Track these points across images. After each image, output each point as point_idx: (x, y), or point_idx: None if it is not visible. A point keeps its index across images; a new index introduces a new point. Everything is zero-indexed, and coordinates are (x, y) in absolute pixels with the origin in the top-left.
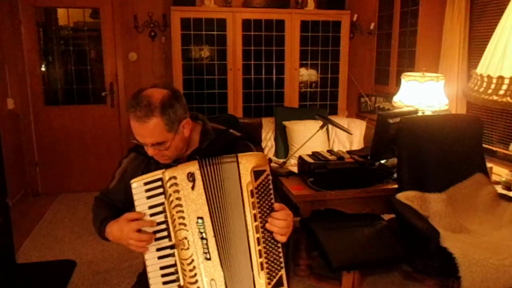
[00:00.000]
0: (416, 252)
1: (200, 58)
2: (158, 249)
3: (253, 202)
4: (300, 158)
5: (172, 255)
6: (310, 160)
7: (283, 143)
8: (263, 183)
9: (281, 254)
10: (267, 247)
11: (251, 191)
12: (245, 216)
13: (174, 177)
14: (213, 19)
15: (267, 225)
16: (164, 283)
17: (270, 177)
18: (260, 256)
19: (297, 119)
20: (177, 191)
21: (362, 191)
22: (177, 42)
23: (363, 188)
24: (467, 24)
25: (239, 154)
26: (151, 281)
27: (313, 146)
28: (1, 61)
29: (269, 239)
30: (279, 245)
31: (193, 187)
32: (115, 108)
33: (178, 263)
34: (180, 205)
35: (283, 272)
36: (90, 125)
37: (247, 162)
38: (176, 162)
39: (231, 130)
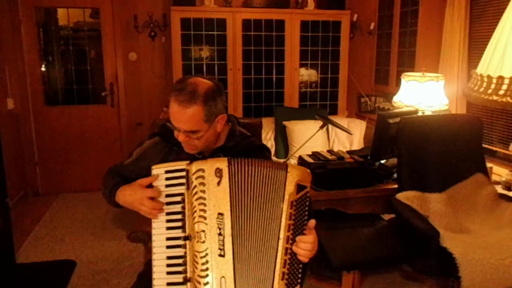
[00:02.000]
0: (416, 252)
1: (200, 58)
2: (168, 238)
3: (290, 213)
4: (300, 158)
5: (183, 246)
6: (310, 160)
7: (283, 143)
8: (302, 198)
9: (300, 270)
10: (291, 259)
11: (292, 202)
12: (280, 224)
13: (202, 170)
14: (213, 19)
15: (293, 248)
16: (169, 273)
17: (309, 194)
18: (284, 266)
19: (297, 119)
20: (203, 184)
21: (362, 191)
22: (177, 42)
23: (363, 188)
24: (467, 24)
25: (289, 164)
26: (154, 269)
27: (313, 146)
28: (1, 61)
29: (294, 252)
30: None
31: (219, 183)
32: (115, 108)
33: (189, 255)
34: (203, 198)
35: (298, 287)
36: (90, 125)
37: (294, 174)
38: (200, 154)
39: (254, 138)
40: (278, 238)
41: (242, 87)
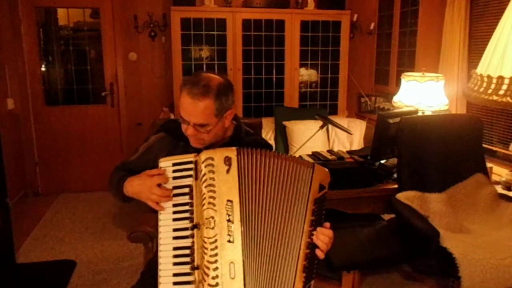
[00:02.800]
0: (416, 252)
1: (200, 58)
2: (175, 230)
3: (313, 209)
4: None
5: (190, 236)
6: (310, 160)
7: (283, 143)
8: (322, 197)
9: (315, 266)
10: (311, 253)
11: (315, 199)
12: (305, 218)
13: (212, 158)
14: (213, 19)
15: (314, 238)
16: (175, 263)
17: (327, 195)
18: (305, 259)
19: (297, 119)
20: (212, 172)
21: (362, 191)
22: (177, 42)
23: (363, 188)
24: (467, 24)
25: (315, 163)
26: (160, 260)
27: (313, 146)
28: (1, 61)
29: (313, 248)
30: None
31: (228, 171)
32: (115, 108)
33: (197, 243)
34: (213, 185)
35: (313, 282)
36: (90, 125)
37: (319, 173)
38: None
39: (259, 136)
40: (303, 232)
41: (242, 87)
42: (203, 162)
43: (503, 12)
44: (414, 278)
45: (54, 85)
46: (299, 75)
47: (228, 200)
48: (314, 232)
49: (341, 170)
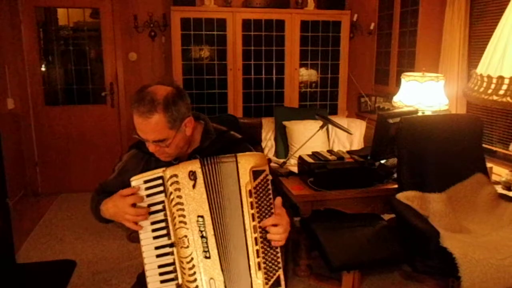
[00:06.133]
0: (416, 252)
1: (200, 58)
2: (157, 247)
3: (251, 202)
4: (300, 158)
5: (171, 253)
6: (310, 160)
7: (283, 143)
8: (262, 183)
9: (279, 255)
10: (265, 247)
11: (250, 190)
12: (243, 215)
13: (176, 175)
14: (213, 19)
15: (268, 236)
16: (162, 281)
17: (269, 177)
18: (258, 256)
19: (297, 119)
20: (178, 189)
21: (362, 191)
22: (177, 42)
23: (363, 188)
24: (467, 24)
25: (238, 154)
26: (148, 279)
27: (313, 146)
28: (1, 61)
29: (267, 239)
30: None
31: (194, 186)
32: (115, 108)
33: (177, 261)
34: (181, 203)
35: (280, 272)
36: (90, 125)
37: (246, 162)
38: (177, 160)
39: (232, 132)
40: (245, 230)
41: (242, 87)
42: (167, 180)
43: (503, 12)
44: (414, 278)
45: (54, 85)
46: (299, 75)
47: (199, 216)
48: (262, 224)
49: (341, 170)
